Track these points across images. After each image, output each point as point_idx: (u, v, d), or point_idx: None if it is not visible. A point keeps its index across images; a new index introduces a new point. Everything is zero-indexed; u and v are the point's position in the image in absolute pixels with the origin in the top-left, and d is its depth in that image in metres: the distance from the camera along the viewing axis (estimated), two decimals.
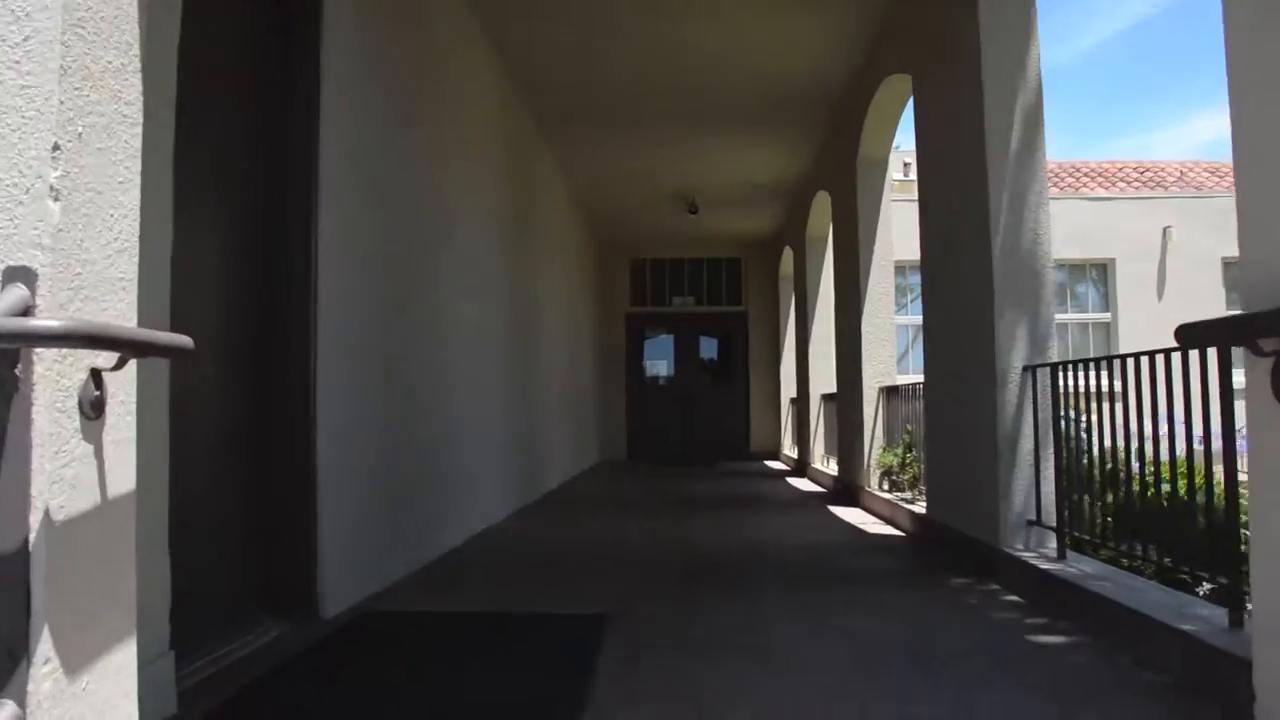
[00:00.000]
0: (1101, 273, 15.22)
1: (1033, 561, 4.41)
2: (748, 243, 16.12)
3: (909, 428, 7.36)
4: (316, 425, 3.97)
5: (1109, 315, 15.03)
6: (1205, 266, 15.40)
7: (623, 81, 8.39)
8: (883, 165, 8.52)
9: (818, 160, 10.81)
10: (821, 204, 11.31)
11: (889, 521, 7.18)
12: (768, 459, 15.87)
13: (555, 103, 8.88)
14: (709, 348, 16.98)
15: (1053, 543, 4.67)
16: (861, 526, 7.07)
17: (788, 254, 14.58)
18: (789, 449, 15.12)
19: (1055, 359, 4.82)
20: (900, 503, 7.03)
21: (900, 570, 5.26)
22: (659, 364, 16.65)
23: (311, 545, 3.94)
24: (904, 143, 16.71)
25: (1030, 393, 4.77)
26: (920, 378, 6.60)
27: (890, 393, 8.13)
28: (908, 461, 7.28)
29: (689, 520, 7.45)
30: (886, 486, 8.02)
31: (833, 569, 5.26)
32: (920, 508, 6.59)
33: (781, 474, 12.90)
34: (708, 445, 16.10)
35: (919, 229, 6.14)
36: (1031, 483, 4.75)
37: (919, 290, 6.52)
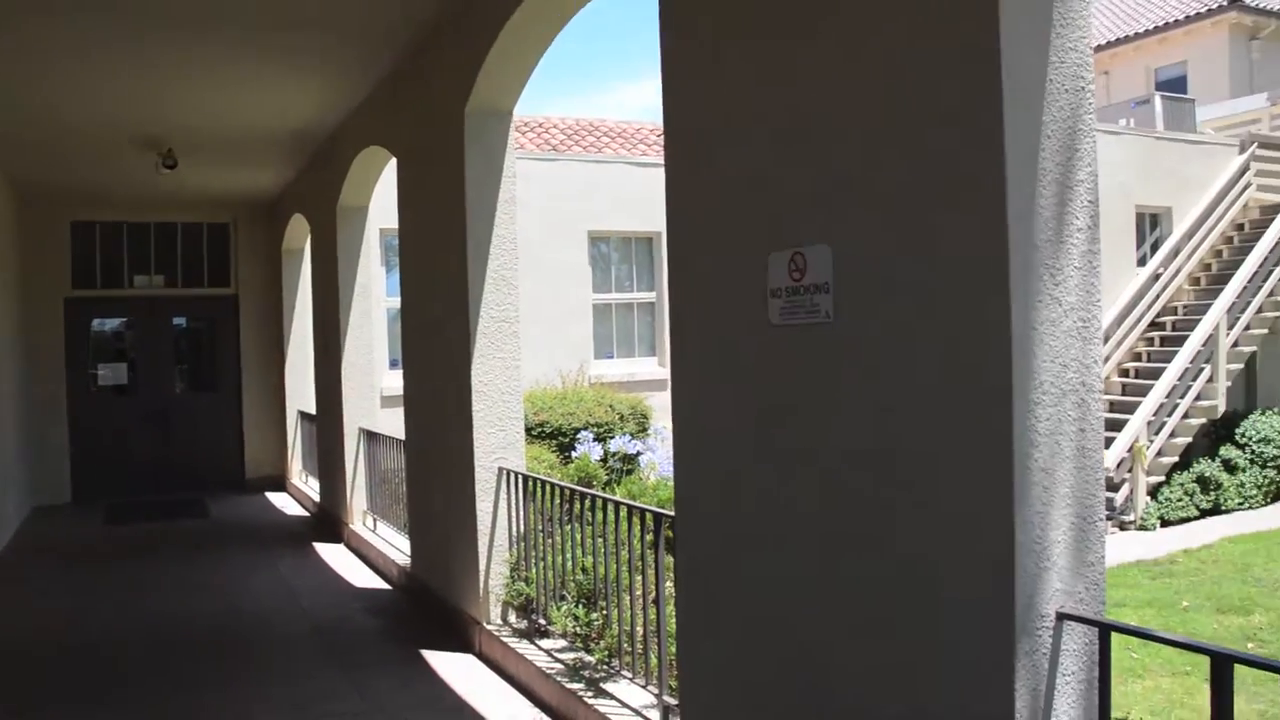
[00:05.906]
0: (647, 247, 13.45)
1: None
2: (238, 204, 12.00)
3: (580, 560, 4.50)
4: None
5: (654, 295, 13.33)
6: None
7: None
8: (506, 118, 5.53)
9: (371, 105, 7.41)
10: (369, 162, 7.99)
11: None
12: (271, 489, 12.04)
13: None
14: (186, 345, 12.60)
15: None
16: None
17: (298, 223, 10.90)
18: (298, 477, 11.54)
19: None
20: (584, 695, 4.18)
21: None
22: (116, 368, 11.87)
23: None
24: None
25: None
26: None
27: (515, 480, 5.21)
28: (592, 622, 4.42)
29: None
30: (520, 622, 5.15)
31: None
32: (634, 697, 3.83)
33: (303, 534, 9.28)
34: (189, 476, 11.74)
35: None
36: None
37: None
